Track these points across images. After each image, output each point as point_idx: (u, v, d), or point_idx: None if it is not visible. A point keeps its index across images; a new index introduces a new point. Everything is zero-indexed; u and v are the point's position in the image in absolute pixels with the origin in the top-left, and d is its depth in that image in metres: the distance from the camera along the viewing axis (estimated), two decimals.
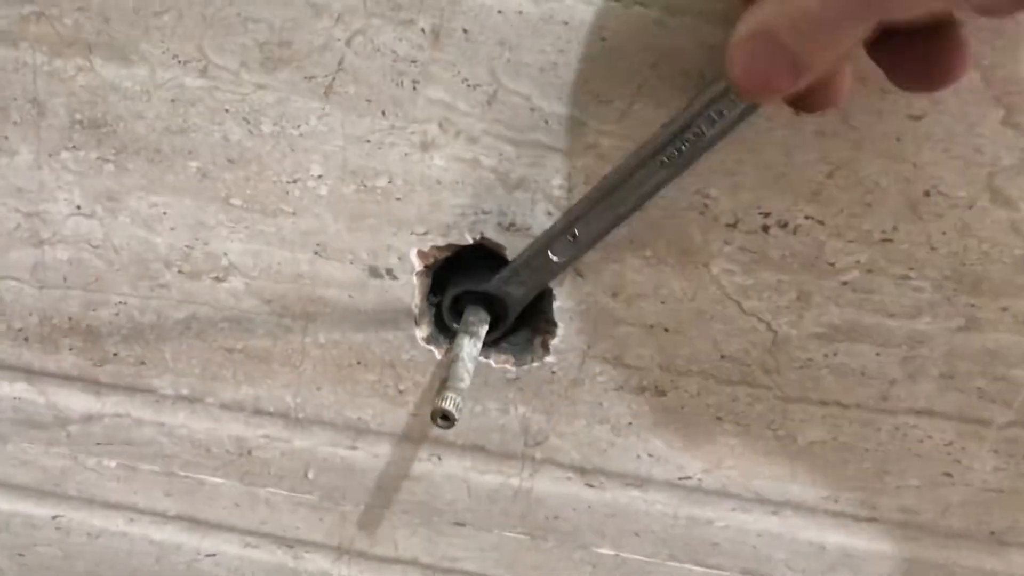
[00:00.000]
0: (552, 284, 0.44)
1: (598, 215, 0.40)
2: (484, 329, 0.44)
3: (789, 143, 0.39)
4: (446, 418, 0.38)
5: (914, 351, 0.44)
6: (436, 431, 0.50)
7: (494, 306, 0.45)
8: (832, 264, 0.42)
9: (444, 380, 0.40)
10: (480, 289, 0.44)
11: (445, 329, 0.47)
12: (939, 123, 0.38)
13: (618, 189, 0.40)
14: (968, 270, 0.41)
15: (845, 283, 0.42)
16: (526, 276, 0.43)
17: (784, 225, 0.41)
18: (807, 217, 0.41)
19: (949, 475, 0.47)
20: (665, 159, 0.38)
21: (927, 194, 0.40)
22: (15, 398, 0.53)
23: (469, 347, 0.42)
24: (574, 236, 0.41)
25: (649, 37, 0.38)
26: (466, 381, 0.40)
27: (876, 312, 0.43)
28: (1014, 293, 0.41)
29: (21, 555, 0.59)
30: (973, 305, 0.42)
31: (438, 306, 0.47)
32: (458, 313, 0.46)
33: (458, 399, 0.39)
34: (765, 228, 0.41)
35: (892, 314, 0.43)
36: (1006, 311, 0.42)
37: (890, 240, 0.41)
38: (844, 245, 0.41)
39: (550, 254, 0.42)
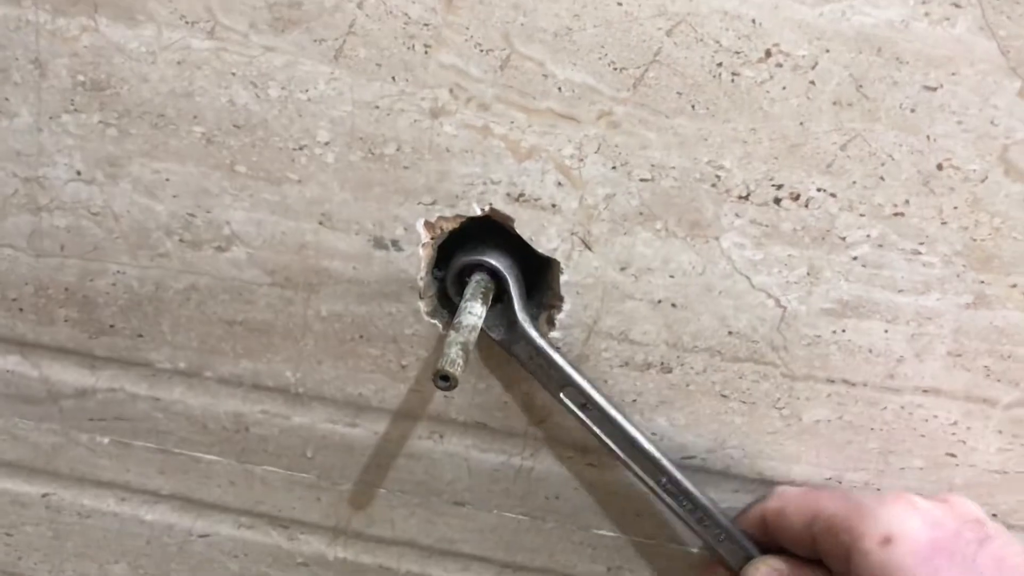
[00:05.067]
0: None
1: (608, 426, 0.45)
2: (490, 295, 0.43)
3: (804, 112, 0.39)
4: (446, 379, 0.38)
5: (922, 328, 0.43)
6: (438, 407, 0.49)
7: (499, 280, 0.44)
8: (843, 238, 0.42)
9: (446, 341, 0.39)
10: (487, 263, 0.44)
11: (449, 304, 0.47)
12: (954, 94, 0.38)
13: (631, 446, 0.45)
14: (978, 246, 0.41)
15: (855, 258, 0.42)
16: (530, 361, 0.45)
17: (796, 197, 0.41)
18: (819, 189, 0.41)
19: (953, 455, 0.47)
20: (664, 487, 0.46)
21: (940, 167, 0.40)
22: (7, 371, 0.52)
23: (474, 309, 0.42)
24: (584, 406, 0.45)
25: (665, 3, 0.38)
26: (470, 342, 0.39)
27: (885, 288, 0.43)
28: None
29: (8, 534, 0.58)
30: (982, 281, 0.42)
31: (442, 281, 0.47)
32: (463, 286, 0.45)
33: (459, 360, 0.38)
34: (777, 200, 0.41)
35: (901, 290, 0.43)
36: (1015, 288, 0.42)
37: (901, 214, 0.41)
38: (855, 219, 0.41)
39: (564, 394, 0.45)
